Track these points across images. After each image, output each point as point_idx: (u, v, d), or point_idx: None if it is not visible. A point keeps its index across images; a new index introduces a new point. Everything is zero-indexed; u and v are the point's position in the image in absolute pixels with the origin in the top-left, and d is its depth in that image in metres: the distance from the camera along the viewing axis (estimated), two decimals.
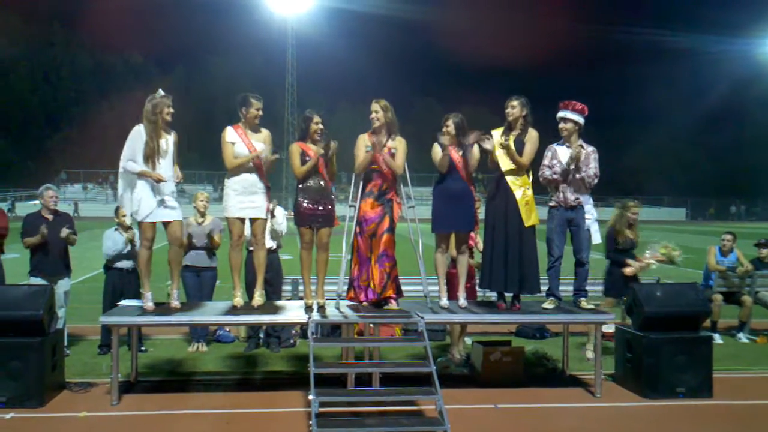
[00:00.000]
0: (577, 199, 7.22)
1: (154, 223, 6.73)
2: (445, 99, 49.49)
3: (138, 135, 6.59)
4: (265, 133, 7.05)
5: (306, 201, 6.91)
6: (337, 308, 6.98)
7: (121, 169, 6.67)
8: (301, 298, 7.18)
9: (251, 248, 7.76)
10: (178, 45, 64.59)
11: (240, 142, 6.87)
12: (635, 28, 67.68)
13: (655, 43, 67.77)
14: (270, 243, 8.23)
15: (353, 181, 7.26)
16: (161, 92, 6.70)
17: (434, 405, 5.88)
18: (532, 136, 7.09)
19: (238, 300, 7.00)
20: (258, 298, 7.06)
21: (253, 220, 7.03)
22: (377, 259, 6.89)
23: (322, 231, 6.96)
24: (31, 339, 6.42)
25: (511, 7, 67.43)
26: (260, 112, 6.94)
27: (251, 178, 6.94)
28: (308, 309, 6.92)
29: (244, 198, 6.91)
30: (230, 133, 6.91)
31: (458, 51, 63.14)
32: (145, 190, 6.65)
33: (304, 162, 6.91)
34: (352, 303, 7.12)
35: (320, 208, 6.90)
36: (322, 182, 6.97)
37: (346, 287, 7.19)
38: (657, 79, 69.51)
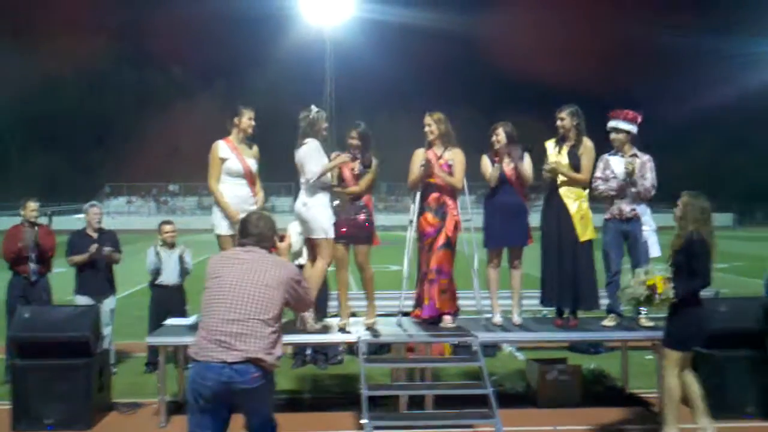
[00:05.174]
0: (633, 210, 6.90)
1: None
2: (487, 110, 48.84)
3: (318, 147, 6.44)
4: (255, 148, 6.79)
5: (336, 217, 6.58)
6: (399, 325, 6.87)
7: (310, 180, 6.41)
8: (352, 315, 7.01)
9: (300, 261, 7.56)
10: (218, 58, 65.39)
11: (234, 157, 6.56)
12: (682, 29, 66.35)
13: (701, 45, 66.39)
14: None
15: (411, 197, 7.11)
16: (315, 108, 6.56)
17: (492, 428, 5.66)
18: (588, 147, 6.81)
19: None
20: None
21: None
22: (431, 274, 6.73)
23: (358, 248, 6.63)
24: (78, 360, 6.38)
25: (552, 15, 66.43)
26: (254, 122, 6.65)
27: (243, 194, 6.59)
28: (341, 330, 6.68)
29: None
30: (223, 149, 6.57)
31: (500, 61, 62.37)
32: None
33: (340, 175, 6.71)
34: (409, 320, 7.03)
35: (348, 225, 6.57)
36: (348, 198, 6.66)
37: (408, 302, 7.12)
38: (703, 83, 68.11)
